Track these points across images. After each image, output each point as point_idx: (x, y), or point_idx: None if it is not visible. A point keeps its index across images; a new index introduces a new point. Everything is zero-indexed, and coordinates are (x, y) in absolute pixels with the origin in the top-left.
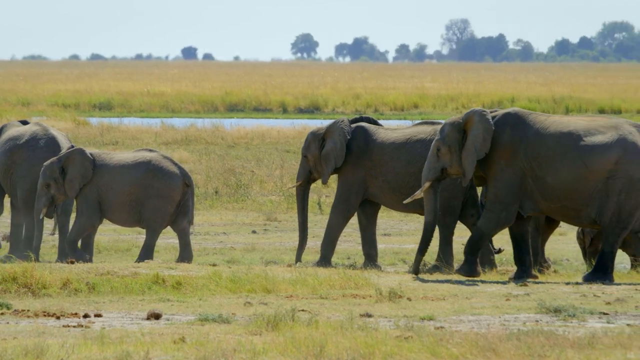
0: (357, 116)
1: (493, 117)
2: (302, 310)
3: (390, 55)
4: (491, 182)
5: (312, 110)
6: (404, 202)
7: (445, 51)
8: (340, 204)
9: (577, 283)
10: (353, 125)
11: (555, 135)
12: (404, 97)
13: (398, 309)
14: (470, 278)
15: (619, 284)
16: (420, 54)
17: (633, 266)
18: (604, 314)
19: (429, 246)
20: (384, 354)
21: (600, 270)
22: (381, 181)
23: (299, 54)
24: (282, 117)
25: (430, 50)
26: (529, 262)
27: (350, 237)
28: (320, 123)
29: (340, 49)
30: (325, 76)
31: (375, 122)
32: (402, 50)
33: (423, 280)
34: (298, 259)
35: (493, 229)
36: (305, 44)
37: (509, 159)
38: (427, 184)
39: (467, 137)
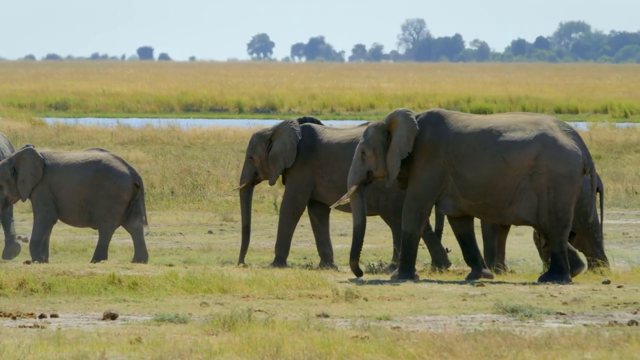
0: (301, 117)
1: (416, 117)
2: (259, 310)
3: (347, 55)
4: (411, 181)
5: (268, 110)
6: (331, 206)
7: (401, 51)
8: (288, 204)
9: (533, 283)
10: (300, 126)
11: (475, 132)
12: (360, 97)
13: (355, 309)
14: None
15: (576, 284)
16: (376, 53)
17: (590, 266)
18: (561, 314)
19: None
20: (340, 354)
21: (556, 271)
22: (327, 181)
23: (255, 54)
24: (238, 117)
25: (386, 50)
26: (481, 259)
27: (307, 237)
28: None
29: (297, 49)
30: (282, 76)
31: (318, 123)
32: (359, 50)
33: (379, 281)
34: (241, 260)
35: (418, 228)
36: (261, 44)
37: (429, 157)
38: (353, 188)
39: (391, 138)
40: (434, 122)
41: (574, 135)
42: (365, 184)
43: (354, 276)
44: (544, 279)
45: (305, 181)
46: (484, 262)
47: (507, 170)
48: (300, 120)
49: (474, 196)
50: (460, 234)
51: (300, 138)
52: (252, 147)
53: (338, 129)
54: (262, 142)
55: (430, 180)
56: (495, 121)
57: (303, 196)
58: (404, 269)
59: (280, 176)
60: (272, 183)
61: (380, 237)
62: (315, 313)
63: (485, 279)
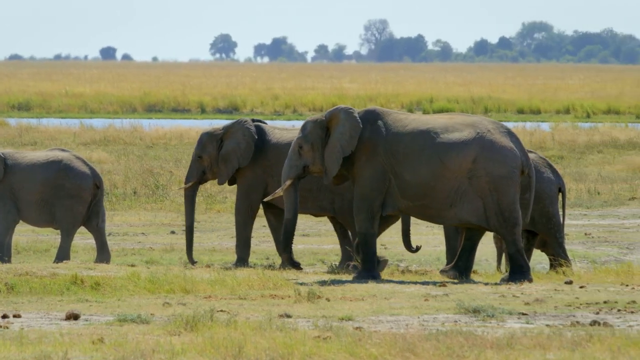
0: (245, 118)
1: None
2: (221, 310)
3: (309, 56)
4: (356, 180)
5: (231, 110)
6: (264, 199)
7: (364, 51)
8: (241, 204)
9: (496, 284)
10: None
11: (413, 133)
12: (322, 98)
13: (317, 309)
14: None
15: (538, 285)
16: (339, 54)
17: (552, 266)
18: (523, 314)
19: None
20: (302, 354)
21: (517, 272)
22: (277, 181)
23: (217, 55)
24: (200, 118)
25: (349, 51)
26: (375, 261)
27: (269, 238)
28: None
29: (259, 49)
30: (244, 77)
31: (264, 123)
32: (321, 50)
33: (342, 281)
34: (190, 260)
35: (371, 226)
36: (223, 45)
37: (369, 155)
38: (288, 182)
39: (330, 135)
40: (372, 120)
41: (512, 136)
42: (300, 178)
43: (317, 276)
44: (507, 280)
45: (258, 180)
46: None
47: (445, 173)
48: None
49: (412, 197)
50: (370, 233)
51: (256, 137)
52: (202, 146)
53: (287, 129)
54: (212, 142)
55: (374, 178)
56: (433, 122)
57: (256, 195)
58: (366, 268)
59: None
60: (221, 183)
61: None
62: (277, 313)
63: (448, 280)
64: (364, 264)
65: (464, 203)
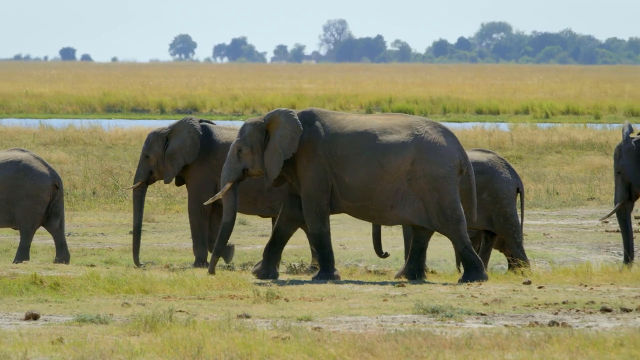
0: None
1: None
2: (180, 310)
3: (269, 56)
4: (300, 182)
5: (190, 111)
6: (205, 203)
7: (323, 52)
8: (194, 204)
9: (454, 284)
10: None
11: (351, 135)
12: (281, 98)
13: (275, 309)
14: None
15: (497, 285)
16: (298, 54)
17: (511, 267)
18: (482, 314)
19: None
20: (261, 355)
21: (471, 269)
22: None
23: (177, 55)
24: (160, 118)
25: (308, 51)
26: (276, 260)
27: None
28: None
29: (219, 49)
30: (203, 77)
31: (211, 123)
32: (280, 51)
33: (300, 281)
34: (136, 262)
35: (322, 226)
36: (183, 45)
37: (310, 156)
38: (227, 185)
39: (270, 138)
40: (310, 122)
41: (449, 135)
42: (239, 181)
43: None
44: (464, 279)
45: (207, 180)
46: (277, 262)
47: (384, 175)
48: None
49: (352, 198)
50: (279, 230)
51: (201, 134)
52: (149, 146)
53: (235, 128)
54: (158, 141)
55: (317, 179)
56: (371, 124)
57: (207, 195)
58: (325, 268)
59: (175, 177)
60: (167, 181)
61: (301, 238)
62: (236, 314)
63: (403, 280)
64: (322, 263)
65: (405, 204)
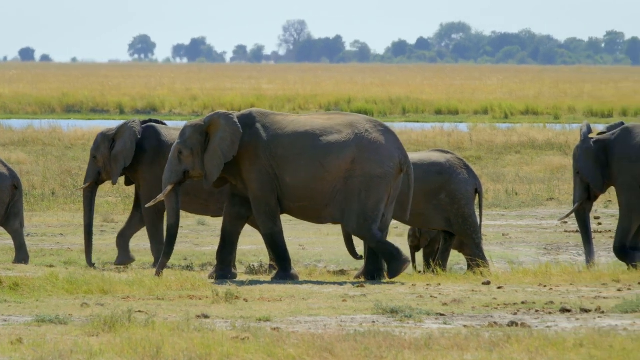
0: (146, 119)
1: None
2: (139, 311)
3: (228, 56)
4: (246, 185)
5: (149, 111)
6: (146, 205)
7: (282, 52)
8: (167, 208)
9: (413, 284)
10: (144, 126)
11: (291, 135)
12: (241, 98)
13: (235, 310)
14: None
15: (456, 285)
16: (257, 54)
17: (470, 267)
18: (441, 314)
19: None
20: (220, 355)
21: (392, 261)
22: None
23: (136, 55)
24: (119, 119)
25: (267, 51)
26: (230, 261)
27: (187, 239)
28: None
29: (178, 50)
30: (163, 77)
31: (162, 124)
32: (240, 51)
33: (260, 282)
34: (89, 262)
35: (273, 225)
36: (142, 45)
37: (252, 158)
38: (169, 188)
39: (210, 140)
40: (251, 124)
41: (390, 134)
42: (181, 183)
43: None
44: (390, 274)
45: (158, 181)
46: (232, 262)
47: (325, 175)
48: (144, 121)
49: (293, 199)
50: (225, 231)
51: (139, 137)
52: (96, 147)
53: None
54: (105, 142)
55: (262, 180)
56: (312, 124)
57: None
58: (282, 268)
59: (124, 177)
60: (114, 182)
61: (260, 238)
62: (195, 314)
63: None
64: (278, 263)
65: (337, 202)
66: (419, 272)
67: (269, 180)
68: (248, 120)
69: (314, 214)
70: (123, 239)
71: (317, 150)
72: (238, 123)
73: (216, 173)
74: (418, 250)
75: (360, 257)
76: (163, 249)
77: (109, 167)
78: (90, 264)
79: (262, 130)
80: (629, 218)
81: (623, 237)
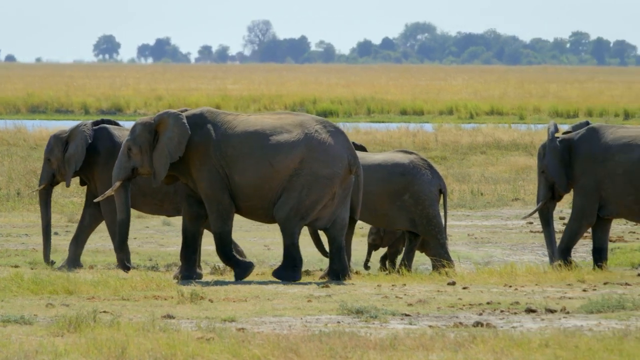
0: (98, 119)
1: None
2: (104, 311)
3: (193, 57)
4: (197, 184)
5: (114, 111)
6: (95, 200)
7: (247, 52)
8: (106, 206)
9: (379, 285)
10: (96, 127)
11: (241, 135)
12: (206, 99)
13: (200, 310)
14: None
15: (421, 285)
16: (222, 55)
17: (434, 267)
18: (406, 315)
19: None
20: (185, 355)
21: (289, 267)
22: (133, 184)
23: (101, 56)
24: (84, 119)
25: (232, 52)
26: (194, 261)
27: (152, 239)
28: (122, 124)
29: (143, 50)
30: (128, 77)
31: (116, 124)
32: (205, 51)
33: (225, 282)
34: (46, 260)
35: (225, 224)
36: (107, 46)
37: (202, 158)
38: (117, 184)
39: (159, 139)
40: (201, 123)
41: (340, 135)
42: (130, 179)
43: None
44: (278, 274)
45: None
46: (197, 262)
47: (274, 174)
48: (97, 122)
49: (242, 198)
50: (187, 231)
51: (90, 141)
52: (50, 150)
53: None
54: (58, 144)
55: (213, 179)
56: (261, 124)
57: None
58: (237, 265)
59: (78, 178)
60: (67, 185)
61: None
62: (160, 314)
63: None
64: (227, 262)
65: (280, 198)
66: (368, 269)
67: (219, 179)
68: (199, 120)
69: (263, 213)
70: (77, 244)
71: (266, 149)
72: (186, 123)
73: (163, 172)
74: (376, 249)
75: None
76: (115, 245)
77: (63, 170)
78: (48, 261)
79: (212, 129)
80: (579, 222)
81: (570, 241)
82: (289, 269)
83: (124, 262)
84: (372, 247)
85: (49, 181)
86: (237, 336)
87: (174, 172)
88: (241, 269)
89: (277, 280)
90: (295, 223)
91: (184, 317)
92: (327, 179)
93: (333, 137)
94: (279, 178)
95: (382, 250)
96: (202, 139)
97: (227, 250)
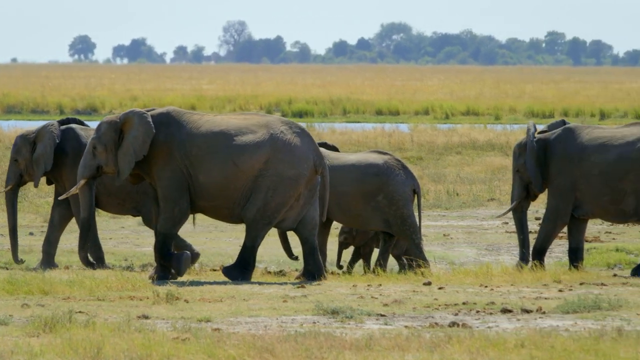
0: (64, 118)
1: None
2: (80, 312)
3: (168, 57)
4: (156, 183)
5: (90, 112)
6: (59, 198)
7: (223, 53)
8: (76, 207)
9: (354, 285)
10: (63, 127)
11: (206, 134)
12: (181, 99)
13: (175, 310)
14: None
15: (397, 286)
16: (198, 55)
17: (402, 267)
18: (382, 315)
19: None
20: (161, 356)
21: (239, 267)
22: (99, 184)
23: (76, 56)
24: (59, 119)
25: (208, 52)
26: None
27: (128, 239)
28: (89, 124)
29: (118, 50)
30: (103, 78)
31: (82, 123)
32: (180, 51)
33: (200, 282)
34: (15, 260)
35: (172, 227)
36: (82, 46)
37: (166, 158)
38: (82, 182)
39: (124, 138)
40: (166, 123)
41: (305, 136)
42: (95, 178)
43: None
44: (227, 272)
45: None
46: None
47: (238, 174)
48: (63, 122)
49: (207, 198)
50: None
51: (58, 141)
52: (17, 150)
53: None
54: (25, 145)
55: (174, 180)
56: (227, 124)
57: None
58: (162, 268)
59: (46, 178)
60: (36, 185)
61: (201, 239)
62: (136, 314)
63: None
64: (160, 261)
65: (245, 199)
66: (341, 268)
67: (181, 181)
68: (164, 119)
69: (228, 213)
70: (50, 244)
71: (231, 149)
72: (151, 122)
73: (127, 170)
74: (347, 247)
75: (296, 258)
76: (79, 241)
77: (31, 170)
78: (17, 261)
79: (178, 129)
80: (553, 223)
81: (545, 242)
82: (239, 270)
83: (87, 259)
84: (343, 245)
85: (17, 182)
86: (213, 336)
87: (139, 170)
88: (178, 262)
89: (227, 278)
90: (261, 226)
91: (159, 317)
92: (292, 179)
93: (298, 138)
94: (244, 178)
95: (353, 249)
96: (166, 138)
97: (165, 251)
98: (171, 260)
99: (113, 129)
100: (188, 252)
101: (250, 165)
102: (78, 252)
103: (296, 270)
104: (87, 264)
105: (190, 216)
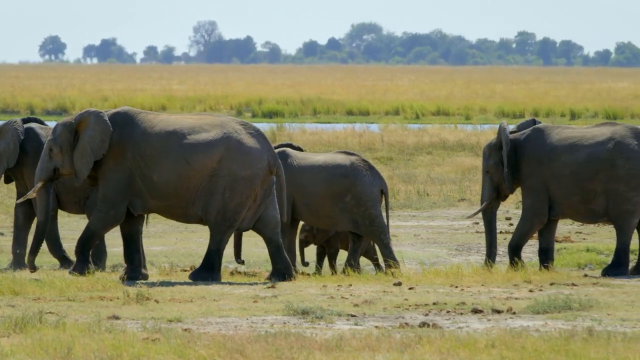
0: (25, 117)
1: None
2: (50, 312)
3: (139, 57)
4: (101, 182)
5: (60, 112)
6: (17, 201)
7: (193, 53)
8: (37, 205)
9: (324, 285)
10: (25, 126)
11: (160, 134)
12: (151, 99)
13: (145, 311)
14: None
15: (367, 286)
16: (168, 55)
17: (378, 267)
18: (352, 315)
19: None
20: (131, 356)
21: (207, 268)
22: (59, 183)
23: (46, 56)
24: (21, 117)
25: (178, 52)
26: (138, 260)
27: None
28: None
29: (88, 50)
30: (73, 78)
31: (42, 122)
32: (150, 52)
33: (171, 283)
34: None
35: (102, 228)
36: (52, 46)
37: (118, 158)
38: (39, 184)
39: (80, 138)
40: (121, 122)
41: (260, 136)
42: (52, 180)
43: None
44: (194, 275)
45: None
46: (141, 262)
47: (191, 173)
48: (24, 120)
49: (160, 197)
50: (125, 233)
51: (22, 138)
52: None
53: None
54: None
55: (119, 182)
56: (180, 123)
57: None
58: (80, 265)
59: (4, 176)
60: None
61: (171, 239)
62: (106, 315)
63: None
64: (79, 256)
65: (200, 199)
66: (307, 265)
67: (126, 187)
68: (119, 119)
69: (181, 213)
70: (18, 244)
71: (184, 148)
72: (108, 122)
73: (85, 171)
74: (307, 245)
75: (242, 262)
76: (32, 244)
77: None
78: None
79: (132, 129)
80: (530, 222)
81: (520, 240)
82: (205, 272)
83: (32, 263)
84: (304, 243)
85: None
86: (183, 337)
87: (94, 171)
88: (82, 266)
89: (195, 280)
90: (224, 229)
91: (129, 317)
92: (247, 180)
93: (253, 138)
94: (197, 177)
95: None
96: (121, 138)
97: (87, 246)
98: (83, 260)
99: (68, 130)
100: (94, 266)
101: (204, 164)
102: (28, 254)
103: (267, 270)
104: (33, 267)
105: (144, 216)
